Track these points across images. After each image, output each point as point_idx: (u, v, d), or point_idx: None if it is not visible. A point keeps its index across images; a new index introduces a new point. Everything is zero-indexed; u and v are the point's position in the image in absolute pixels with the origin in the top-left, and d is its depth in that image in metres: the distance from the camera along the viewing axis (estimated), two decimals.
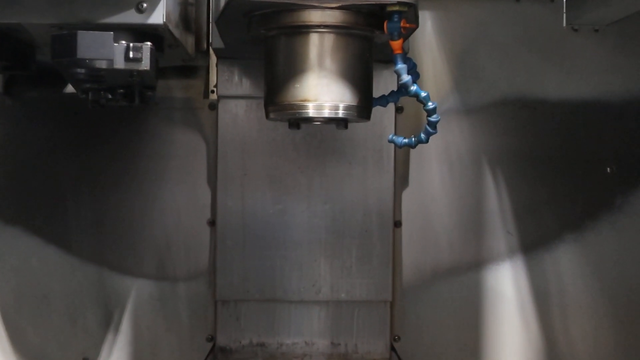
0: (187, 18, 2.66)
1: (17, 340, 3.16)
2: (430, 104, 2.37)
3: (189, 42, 2.75)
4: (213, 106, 3.13)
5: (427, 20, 3.14)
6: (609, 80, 3.18)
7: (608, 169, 3.19)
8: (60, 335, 3.17)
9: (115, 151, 3.15)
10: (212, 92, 3.14)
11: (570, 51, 3.18)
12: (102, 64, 2.16)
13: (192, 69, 3.15)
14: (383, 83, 2.94)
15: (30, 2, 2.25)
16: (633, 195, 3.20)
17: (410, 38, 2.83)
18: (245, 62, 3.04)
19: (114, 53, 2.16)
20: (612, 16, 3.08)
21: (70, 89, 3.11)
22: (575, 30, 3.18)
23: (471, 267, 3.19)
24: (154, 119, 3.15)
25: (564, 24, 3.18)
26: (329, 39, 2.37)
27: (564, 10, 3.18)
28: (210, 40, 2.93)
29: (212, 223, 3.14)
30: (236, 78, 3.06)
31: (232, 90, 3.07)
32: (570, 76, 3.19)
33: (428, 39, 3.17)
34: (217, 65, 3.07)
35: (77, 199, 3.15)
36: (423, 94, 2.36)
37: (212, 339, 3.16)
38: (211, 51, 3.04)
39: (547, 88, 3.19)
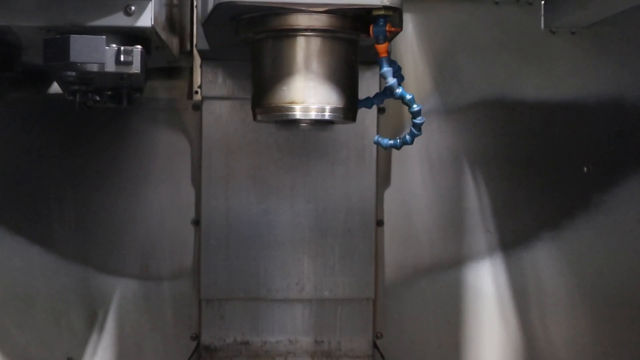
0: (172, 20, 2.68)
1: (0, 340, 3.16)
2: (415, 106, 2.41)
3: (174, 43, 2.77)
4: (197, 107, 3.15)
5: (408, 23, 3.18)
6: (585, 82, 3.25)
7: (585, 168, 3.25)
8: (44, 335, 3.17)
9: (99, 151, 3.16)
10: (196, 92, 3.16)
11: (548, 53, 3.24)
12: (94, 68, 2.18)
13: (175, 70, 3.16)
14: (365, 84, 2.99)
15: (18, 4, 2.26)
16: (609, 193, 3.26)
17: (392, 40, 2.87)
18: (229, 63, 3.06)
19: (106, 57, 2.18)
20: (589, 19, 3.14)
21: (54, 89, 3.12)
22: (553, 32, 3.24)
23: (451, 265, 3.24)
24: (138, 119, 3.16)
25: (542, 26, 3.24)
26: (315, 42, 2.40)
27: (542, 13, 3.24)
28: (195, 42, 2.96)
29: (196, 223, 3.16)
30: (220, 79, 3.09)
31: (216, 91, 3.09)
32: (548, 77, 3.24)
33: (409, 41, 3.21)
34: (201, 66, 3.09)
35: (61, 198, 3.16)
36: (408, 97, 2.40)
37: (196, 337, 3.18)
38: (195, 52, 3.07)
39: (526, 89, 3.24)
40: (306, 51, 2.40)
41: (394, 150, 3.14)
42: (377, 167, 3.15)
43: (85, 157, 3.16)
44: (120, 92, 2.58)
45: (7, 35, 2.44)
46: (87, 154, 3.16)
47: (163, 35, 2.45)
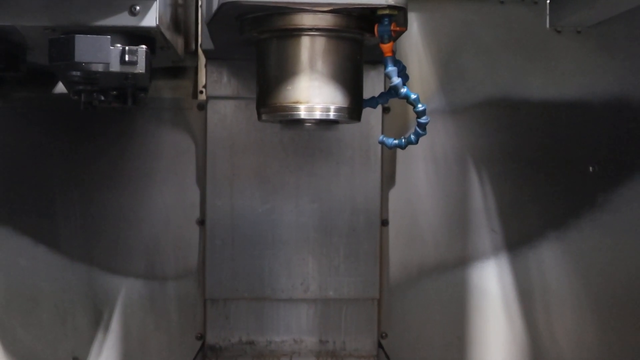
0: (177, 20, 2.68)
1: (6, 339, 3.17)
2: (420, 105, 2.40)
3: (179, 43, 2.77)
4: (202, 106, 3.15)
5: (413, 22, 3.18)
6: (590, 81, 3.24)
7: (590, 167, 3.25)
8: (49, 334, 3.18)
9: (104, 151, 3.16)
10: (201, 92, 3.16)
11: (553, 52, 3.24)
12: (99, 67, 2.18)
13: (180, 70, 3.16)
14: (370, 84, 3.00)
15: (24, 4, 2.26)
16: (614, 193, 3.26)
17: (397, 39, 2.86)
18: (234, 62, 3.06)
19: (110, 57, 2.18)
20: (594, 18, 3.14)
21: (59, 89, 3.13)
22: (558, 31, 3.24)
23: (457, 264, 3.24)
24: (142, 119, 3.16)
25: (547, 26, 3.24)
26: (320, 41, 2.40)
27: (547, 12, 3.23)
28: (200, 42, 2.96)
29: (201, 222, 3.16)
30: (225, 79, 3.09)
31: (221, 90, 3.09)
32: (553, 77, 3.24)
33: (414, 40, 3.21)
34: (205, 66, 3.09)
35: (66, 198, 3.16)
36: (413, 96, 2.39)
37: (201, 337, 3.18)
38: (200, 52, 3.07)
39: (531, 88, 3.24)
40: (311, 51, 2.40)
41: (398, 150, 3.14)
42: (382, 166, 3.14)
43: (90, 157, 3.16)
44: (125, 91, 2.58)
45: (13, 35, 2.44)
46: (92, 153, 3.16)
47: (168, 35, 2.45)
